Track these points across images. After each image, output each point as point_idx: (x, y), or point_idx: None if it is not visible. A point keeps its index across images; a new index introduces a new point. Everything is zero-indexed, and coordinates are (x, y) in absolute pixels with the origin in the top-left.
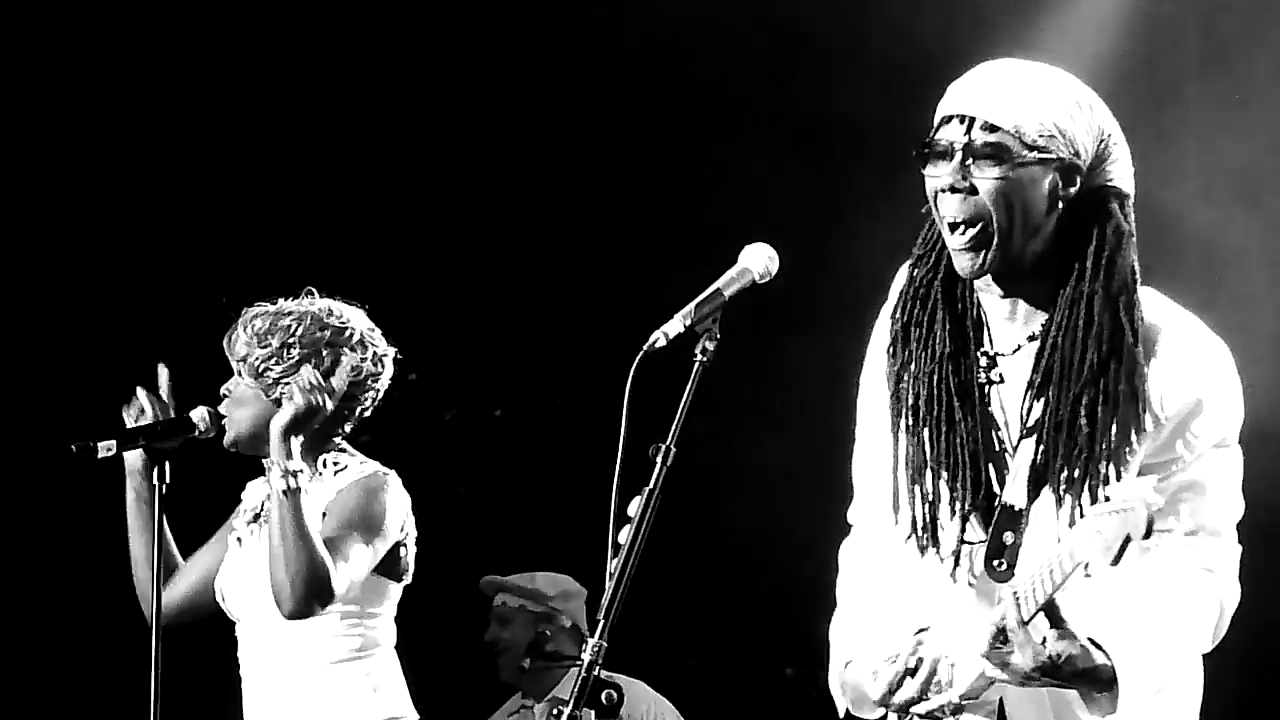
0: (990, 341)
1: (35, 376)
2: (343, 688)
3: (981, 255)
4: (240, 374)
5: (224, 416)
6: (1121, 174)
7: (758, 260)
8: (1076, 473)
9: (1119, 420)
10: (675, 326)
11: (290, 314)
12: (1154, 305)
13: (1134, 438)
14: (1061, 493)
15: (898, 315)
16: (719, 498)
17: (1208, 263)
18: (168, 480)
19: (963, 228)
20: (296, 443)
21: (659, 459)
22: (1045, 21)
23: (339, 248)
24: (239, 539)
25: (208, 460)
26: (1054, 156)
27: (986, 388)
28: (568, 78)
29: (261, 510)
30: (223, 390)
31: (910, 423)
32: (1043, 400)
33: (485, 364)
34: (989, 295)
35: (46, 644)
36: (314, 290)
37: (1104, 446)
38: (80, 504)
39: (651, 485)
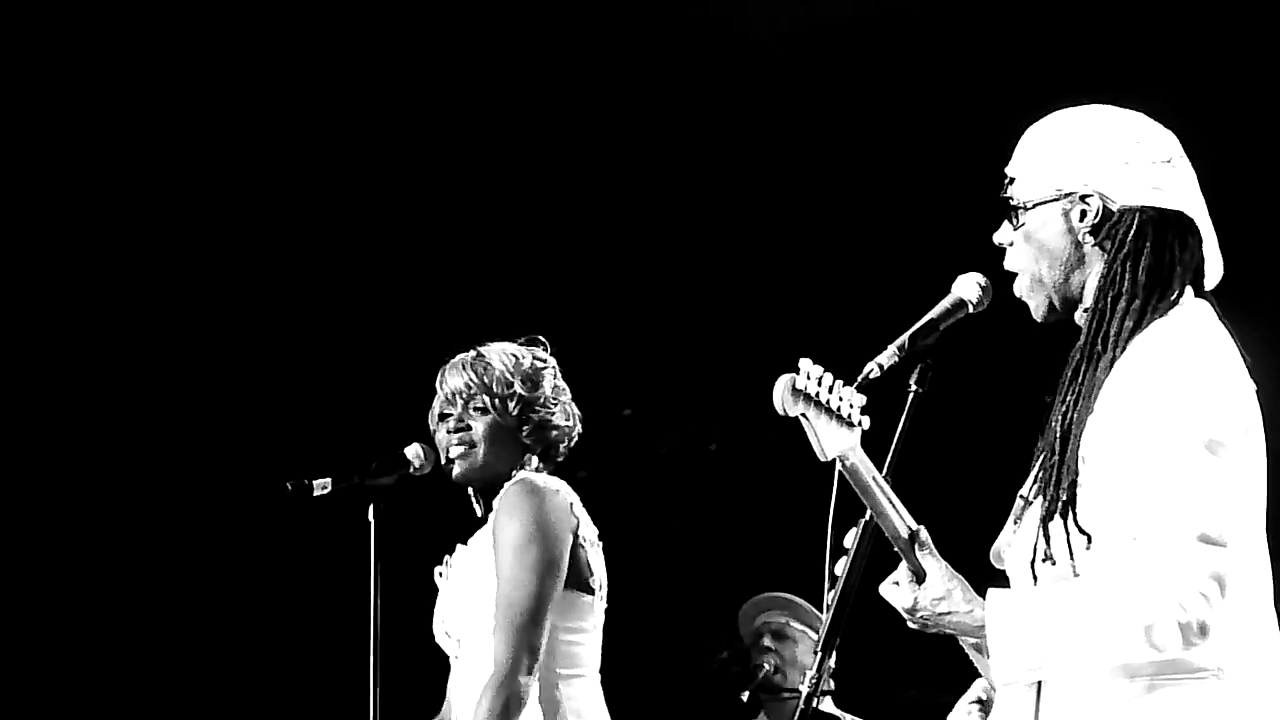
0: None
1: (252, 414)
2: (543, 711)
3: (1034, 302)
4: (491, 410)
5: (438, 452)
6: (1144, 193)
7: (971, 289)
8: (1047, 472)
9: (1080, 421)
10: (889, 357)
11: (535, 365)
12: (1167, 324)
13: (1088, 437)
14: (1043, 497)
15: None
16: (936, 525)
17: None
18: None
19: (1016, 280)
20: None
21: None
22: None
23: (550, 282)
24: (440, 573)
25: (425, 498)
26: (1060, 193)
27: None
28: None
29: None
30: (440, 411)
31: None
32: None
33: (699, 399)
34: None
35: (263, 681)
36: (544, 341)
37: (1068, 447)
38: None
39: (867, 516)
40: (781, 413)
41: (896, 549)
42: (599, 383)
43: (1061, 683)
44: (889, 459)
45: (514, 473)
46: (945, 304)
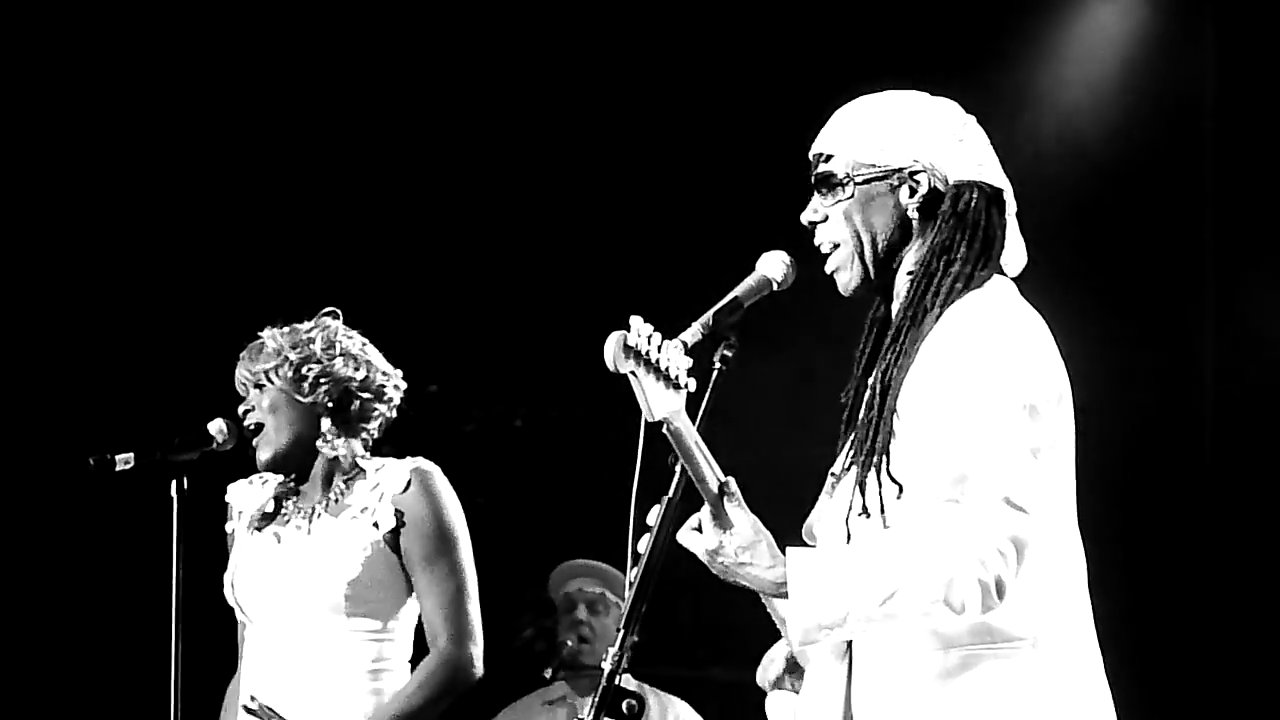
0: None
1: (53, 389)
2: (355, 698)
3: (847, 275)
4: (269, 383)
5: (243, 426)
6: (972, 169)
7: (776, 267)
8: (868, 435)
9: (899, 378)
10: (694, 334)
11: (312, 328)
12: (980, 292)
13: (905, 393)
14: (858, 455)
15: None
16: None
17: None
18: (187, 493)
19: (826, 253)
20: None
21: (678, 468)
22: None
23: (356, 261)
24: (276, 535)
25: (228, 473)
26: (888, 169)
27: None
28: (584, 97)
29: (281, 510)
30: (242, 410)
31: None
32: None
33: (505, 375)
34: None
35: (64, 655)
36: (338, 311)
37: (886, 402)
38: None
39: (670, 494)
40: (612, 368)
41: (711, 509)
42: (404, 359)
43: (875, 654)
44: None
45: (316, 442)
46: (750, 281)
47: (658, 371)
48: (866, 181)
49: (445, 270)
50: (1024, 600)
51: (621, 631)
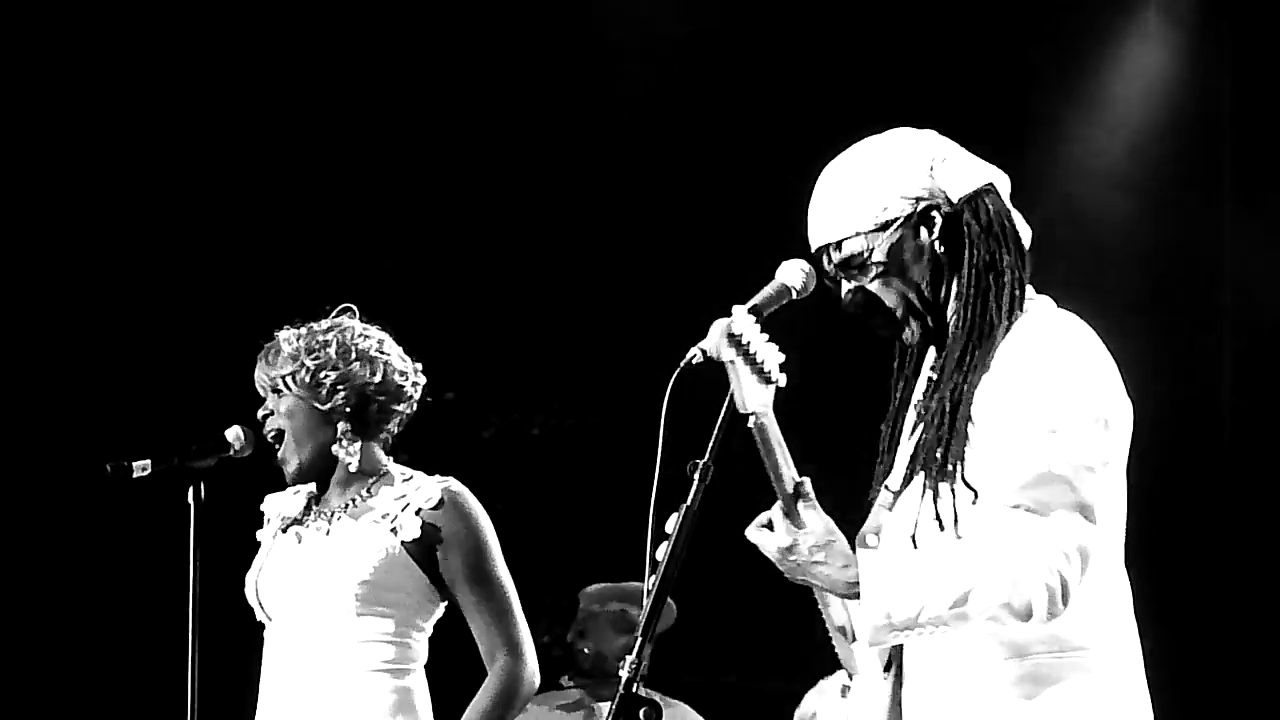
0: None
1: (70, 396)
2: (371, 699)
3: (907, 331)
4: (286, 390)
5: (261, 432)
6: (968, 179)
7: (794, 275)
8: (938, 451)
9: (971, 387)
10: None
11: (328, 329)
12: (1037, 307)
13: (978, 402)
14: (929, 465)
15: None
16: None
17: None
18: (203, 500)
19: (880, 320)
20: None
21: (696, 476)
22: None
23: (373, 268)
24: (298, 535)
25: (245, 480)
26: (899, 220)
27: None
28: (604, 108)
29: (307, 515)
30: (261, 414)
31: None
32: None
33: (522, 383)
34: None
35: (80, 661)
36: (353, 308)
37: (959, 412)
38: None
39: (689, 502)
40: (714, 355)
41: (784, 507)
42: (421, 366)
43: (932, 663)
44: (712, 444)
45: (333, 447)
46: (769, 290)
47: (754, 363)
48: (889, 245)
49: (462, 278)
50: (1086, 608)
51: (640, 640)
